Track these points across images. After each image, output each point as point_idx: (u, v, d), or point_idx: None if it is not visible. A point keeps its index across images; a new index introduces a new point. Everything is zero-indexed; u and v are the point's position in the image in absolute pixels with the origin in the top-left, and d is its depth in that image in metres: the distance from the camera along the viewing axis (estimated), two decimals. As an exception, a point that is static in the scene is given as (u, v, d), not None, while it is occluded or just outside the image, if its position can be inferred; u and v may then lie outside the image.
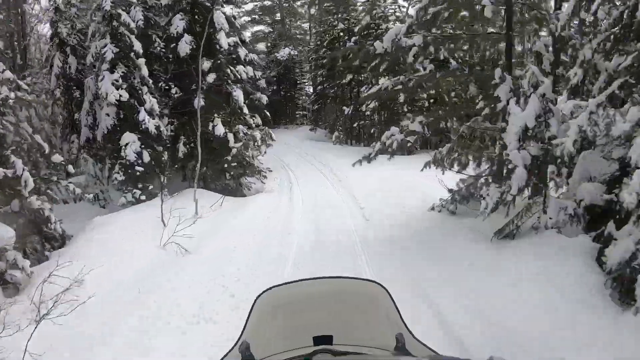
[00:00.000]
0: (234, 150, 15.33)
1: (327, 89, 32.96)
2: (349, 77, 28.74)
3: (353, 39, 27.69)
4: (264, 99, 18.29)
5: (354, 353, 1.40)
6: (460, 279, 6.17)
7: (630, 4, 5.80)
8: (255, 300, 1.79)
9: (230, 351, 1.60)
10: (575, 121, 5.45)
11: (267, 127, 19.13)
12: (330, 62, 30.99)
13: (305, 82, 44.01)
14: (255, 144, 16.98)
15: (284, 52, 39.56)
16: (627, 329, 4.16)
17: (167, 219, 9.05)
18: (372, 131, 32.17)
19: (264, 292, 1.82)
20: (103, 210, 12.63)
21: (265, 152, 18.98)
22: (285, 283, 1.92)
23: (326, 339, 1.52)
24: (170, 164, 14.32)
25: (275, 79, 41.37)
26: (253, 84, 18.76)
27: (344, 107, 29.12)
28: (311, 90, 41.38)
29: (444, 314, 5.30)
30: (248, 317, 1.74)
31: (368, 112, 24.12)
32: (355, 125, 29.54)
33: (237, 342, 1.61)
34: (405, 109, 22.60)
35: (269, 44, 43.75)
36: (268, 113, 19.85)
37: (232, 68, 16.09)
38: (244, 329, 1.69)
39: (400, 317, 1.72)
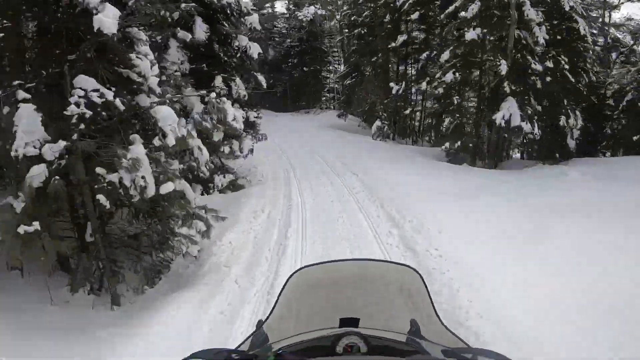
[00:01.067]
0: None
1: (364, 56, 23.10)
2: (402, 38, 18.94)
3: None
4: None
5: (377, 337, 1.33)
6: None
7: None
8: (287, 280, 1.75)
9: (252, 334, 1.54)
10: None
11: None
12: (372, 17, 21.31)
13: (335, 54, 34.24)
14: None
15: (308, 11, 29.86)
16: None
17: None
18: (422, 122, 22.92)
19: (296, 271, 1.78)
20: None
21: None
22: (319, 263, 1.84)
23: (353, 322, 1.48)
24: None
25: (296, 48, 31.92)
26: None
27: (391, 85, 19.56)
28: (342, 66, 31.83)
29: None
30: (279, 295, 1.70)
31: (440, 90, 14.29)
32: (409, 111, 19.75)
33: (266, 319, 1.62)
34: (508, 87, 12.76)
35: (290, 4, 34.10)
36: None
37: None
38: (273, 307, 1.66)
39: (432, 303, 1.65)
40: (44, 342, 4.05)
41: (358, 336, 1.26)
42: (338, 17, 32.51)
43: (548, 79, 13.19)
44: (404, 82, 19.44)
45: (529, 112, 12.99)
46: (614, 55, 17.94)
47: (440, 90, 14.15)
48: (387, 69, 22.33)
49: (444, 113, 14.81)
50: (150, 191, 4.46)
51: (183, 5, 8.96)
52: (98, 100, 4.31)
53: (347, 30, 27.75)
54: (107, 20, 4.22)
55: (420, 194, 8.39)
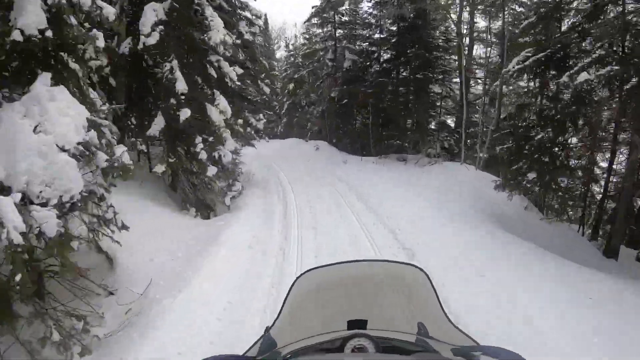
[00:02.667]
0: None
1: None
2: None
3: None
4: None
5: (385, 338, 1.36)
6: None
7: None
8: (293, 283, 1.72)
9: (260, 338, 1.53)
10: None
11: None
12: None
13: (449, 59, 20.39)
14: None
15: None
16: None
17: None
18: None
19: (302, 274, 1.75)
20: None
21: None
22: (325, 265, 1.80)
23: (361, 323, 1.48)
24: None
25: (393, 44, 18.71)
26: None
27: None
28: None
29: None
30: (285, 300, 1.68)
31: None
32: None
33: (273, 324, 1.59)
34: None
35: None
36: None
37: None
38: (280, 312, 1.64)
39: (439, 303, 1.64)
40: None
41: (366, 337, 1.27)
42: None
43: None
44: None
45: None
46: None
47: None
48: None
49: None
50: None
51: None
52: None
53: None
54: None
55: None
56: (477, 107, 20.13)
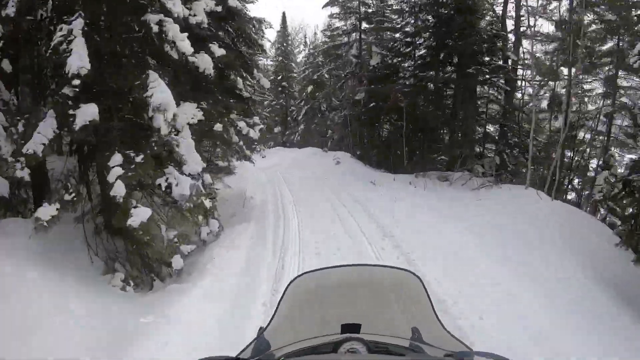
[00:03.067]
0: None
1: None
2: None
3: None
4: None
5: (379, 342, 1.38)
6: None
7: None
8: (286, 287, 1.71)
9: (253, 341, 1.53)
10: None
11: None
12: None
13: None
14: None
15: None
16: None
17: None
18: None
19: (296, 277, 1.75)
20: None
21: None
22: (319, 269, 1.80)
23: (354, 327, 1.50)
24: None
25: (433, 32, 15.04)
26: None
27: None
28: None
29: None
30: (279, 303, 1.66)
31: None
32: None
33: (267, 327, 1.59)
34: None
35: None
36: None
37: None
38: (274, 314, 1.64)
39: (432, 307, 1.64)
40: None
41: (359, 341, 1.31)
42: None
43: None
44: None
45: None
46: None
47: None
48: None
49: None
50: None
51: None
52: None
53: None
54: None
55: None
56: (523, 113, 16.12)
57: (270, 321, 1.62)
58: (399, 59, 17.84)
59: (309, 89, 27.34)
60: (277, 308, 1.64)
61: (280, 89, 34.34)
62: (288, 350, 1.37)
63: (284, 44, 34.90)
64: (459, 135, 15.52)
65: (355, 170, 15.25)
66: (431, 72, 15.91)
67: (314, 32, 44.74)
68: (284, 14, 36.49)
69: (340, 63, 22.35)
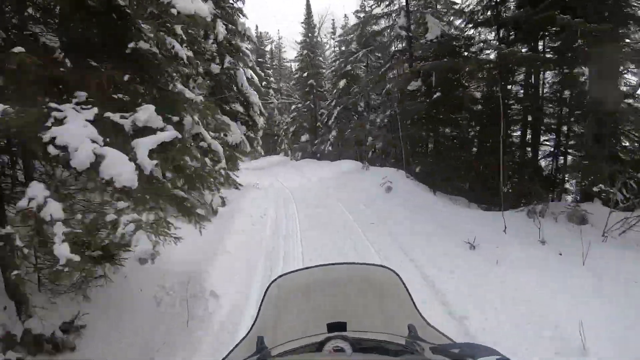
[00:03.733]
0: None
1: None
2: None
3: None
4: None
5: (367, 339, 1.45)
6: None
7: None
8: (266, 289, 1.73)
9: (242, 340, 1.54)
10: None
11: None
12: None
13: None
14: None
15: None
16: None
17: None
18: None
19: (274, 280, 1.77)
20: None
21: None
22: (296, 270, 1.84)
23: (340, 326, 1.53)
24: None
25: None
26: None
27: None
28: None
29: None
30: (260, 306, 1.68)
31: None
32: None
33: (249, 331, 1.58)
34: None
35: None
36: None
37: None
38: (256, 318, 1.64)
39: (413, 302, 1.66)
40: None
41: (343, 339, 1.34)
42: None
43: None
44: None
45: None
46: None
47: None
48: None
49: None
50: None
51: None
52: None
53: None
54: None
55: None
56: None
57: (254, 323, 1.61)
58: (470, 27, 11.62)
59: (341, 83, 21.47)
60: (259, 310, 1.65)
61: (307, 89, 28.70)
62: (275, 353, 1.38)
63: (309, 35, 29.27)
64: (599, 135, 9.10)
65: (422, 205, 9.11)
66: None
67: (343, 19, 38.66)
68: (307, 1, 30.83)
69: (381, 44, 16.35)
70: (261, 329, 1.58)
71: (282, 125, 33.68)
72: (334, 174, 15.53)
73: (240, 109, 12.13)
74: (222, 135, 9.42)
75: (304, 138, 29.20)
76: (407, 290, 1.68)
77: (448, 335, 1.49)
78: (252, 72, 13.09)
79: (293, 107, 31.52)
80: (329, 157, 23.54)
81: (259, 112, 12.73)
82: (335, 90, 23.17)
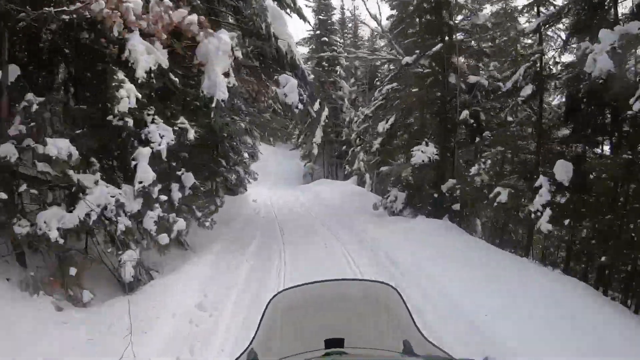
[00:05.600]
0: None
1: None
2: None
3: None
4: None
5: (365, 356, 1.48)
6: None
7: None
8: (267, 304, 1.77)
9: (240, 356, 1.57)
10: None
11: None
12: None
13: None
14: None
15: None
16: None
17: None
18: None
19: (275, 295, 1.81)
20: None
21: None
22: (297, 285, 1.87)
23: (338, 342, 1.54)
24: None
25: None
26: None
27: None
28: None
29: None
30: (260, 320, 1.71)
31: None
32: None
33: (249, 345, 1.59)
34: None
35: None
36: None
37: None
38: (256, 332, 1.67)
39: (412, 318, 1.69)
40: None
41: (340, 355, 1.38)
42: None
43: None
44: None
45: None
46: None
47: None
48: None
49: None
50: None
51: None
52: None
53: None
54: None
55: None
56: None
57: (254, 337, 1.63)
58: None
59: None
60: (259, 324, 1.67)
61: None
62: None
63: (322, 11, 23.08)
64: None
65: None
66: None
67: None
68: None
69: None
70: (262, 342, 1.59)
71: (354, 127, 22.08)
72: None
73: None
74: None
75: (315, 152, 22.63)
76: (406, 305, 1.70)
77: (448, 352, 1.50)
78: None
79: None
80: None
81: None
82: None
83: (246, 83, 7.76)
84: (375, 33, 21.44)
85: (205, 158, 9.52)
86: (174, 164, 6.36)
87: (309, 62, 24.66)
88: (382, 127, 13.77)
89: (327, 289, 1.87)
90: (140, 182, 5.17)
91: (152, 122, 5.58)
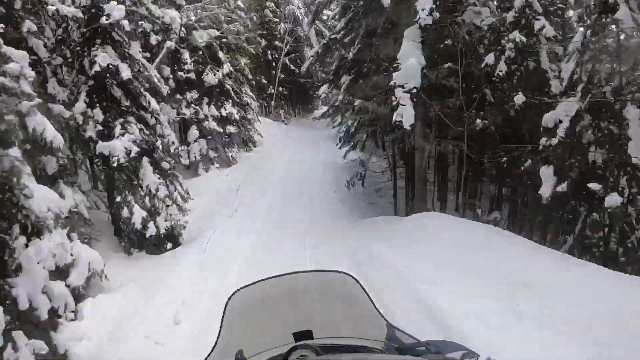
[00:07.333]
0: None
1: None
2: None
3: None
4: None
5: (335, 345, 1.44)
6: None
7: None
8: (225, 304, 1.72)
9: (208, 357, 1.55)
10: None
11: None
12: None
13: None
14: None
15: None
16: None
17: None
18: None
19: (233, 294, 1.75)
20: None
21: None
22: (253, 283, 1.79)
23: (306, 334, 1.51)
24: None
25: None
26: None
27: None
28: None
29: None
30: (221, 322, 1.67)
31: None
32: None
33: (213, 348, 1.58)
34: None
35: None
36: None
37: None
38: (219, 334, 1.63)
39: (373, 304, 1.69)
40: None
41: (307, 348, 1.30)
42: None
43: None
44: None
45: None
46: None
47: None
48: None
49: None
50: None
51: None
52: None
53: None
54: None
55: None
56: None
57: (216, 342, 1.59)
58: None
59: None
60: (220, 327, 1.62)
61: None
62: None
63: None
64: None
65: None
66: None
67: None
68: None
69: None
70: (226, 344, 1.55)
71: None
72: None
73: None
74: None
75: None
76: (366, 292, 1.68)
77: (411, 334, 1.51)
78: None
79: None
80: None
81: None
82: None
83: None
84: None
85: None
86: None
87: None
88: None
89: (285, 283, 1.82)
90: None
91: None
